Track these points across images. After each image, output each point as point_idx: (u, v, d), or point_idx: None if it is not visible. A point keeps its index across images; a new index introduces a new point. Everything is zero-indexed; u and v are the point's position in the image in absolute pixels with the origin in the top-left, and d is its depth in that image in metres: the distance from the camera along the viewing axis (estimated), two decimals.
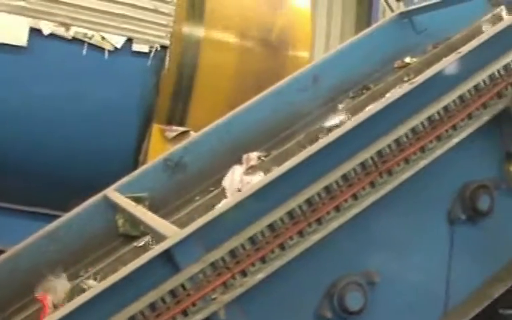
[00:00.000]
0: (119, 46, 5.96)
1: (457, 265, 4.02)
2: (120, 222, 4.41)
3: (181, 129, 6.08)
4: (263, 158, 4.66)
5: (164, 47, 6.03)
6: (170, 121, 6.24)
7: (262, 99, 4.87)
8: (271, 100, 4.88)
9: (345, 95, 4.96)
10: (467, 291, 4.06)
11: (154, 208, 4.44)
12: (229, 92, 6.23)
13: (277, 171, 3.56)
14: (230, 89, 6.27)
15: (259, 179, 4.05)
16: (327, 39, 13.50)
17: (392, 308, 3.89)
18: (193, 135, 5.00)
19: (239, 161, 4.68)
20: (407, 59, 4.92)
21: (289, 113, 4.88)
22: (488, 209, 4.00)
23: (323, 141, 3.64)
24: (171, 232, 3.54)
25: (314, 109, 4.90)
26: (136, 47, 6.01)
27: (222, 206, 3.60)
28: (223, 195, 4.50)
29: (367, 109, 3.81)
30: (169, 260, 3.39)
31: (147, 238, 4.36)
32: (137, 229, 4.39)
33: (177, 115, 6.29)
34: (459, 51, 3.92)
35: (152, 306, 3.34)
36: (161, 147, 5.71)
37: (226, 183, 4.59)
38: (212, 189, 4.62)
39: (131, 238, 4.43)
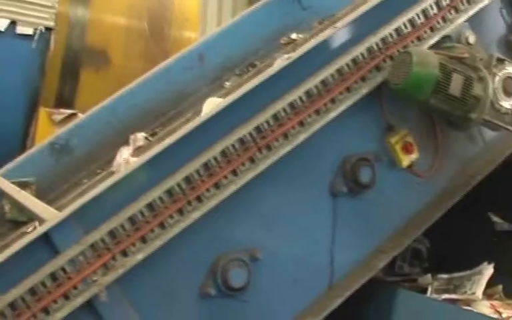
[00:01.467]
0: (2, 29, 5.90)
1: (340, 238, 4.15)
2: (7, 208, 4.39)
3: (69, 111, 6.05)
4: (149, 138, 4.70)
5: (49, 29, 5.99)
6: (58, 104, 6.22)
7: (148, 79, 4.90)
8: (157, 80, 4.91)
9: (232, 72, 5.03)
10: (351, 264, 4.20)
11: (41, 192, 4.44)
12: (117, 73, 6.24)
13: (154, 150, 3.62)
14: (118, 70, 6.28)
15: None
16: (218, 19, 13.56)
17: (276, 283, 4.00)
18: (80, 117, 5.01)
19: (126, 142, 4.71)
20: (293, 35, 5.02)
21: (175, 92, 4.92)
22: (369, 182, 4.15)
23: (200, 118, 3.72)
24: (50, 215, 3.57)
25: (201, 88, 4.97)
26: (20, 30, 5.95)
27: (100, 187, 3.63)
28: (110, 177, 4.53)
29: (246, 84, 3.88)
30: (48, 243, 3.42)
31: (36, 223, 4.36)
32: (25, 215, 4.39)
33: (65, 98, 6.28)
34: (336, 24, 4.04)
35: (32, 290, 3.36)
36: (48, 131, 5.67)
37: (114, 164, 4.62)
38: (100, 171, 4.64)
39: (20, 224, 4.42)
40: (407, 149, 4.25)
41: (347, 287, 4.15)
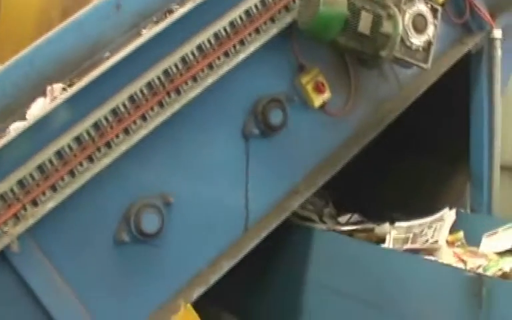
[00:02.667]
0: None
1: (254, 180, 4.26)
2: None
3: None
4: (67, 89, 4.71)
5: None
6: None
7: (64, 30, 4.88)
8: (74, 30, 4.90)
9: (149, 19, 5.04)
10: (267, 205, 4.32)
11: None
12: (34, 27, 6.20)
13: (61, 98, 3.67)
14: (35, 23, 6.25)
15: None
16: None
17: (191, 227, 4.10)
18: None
19: (44, 94, 4.72)
20: None
21: (92, 41, 4.93)
22: (281, 123, 4.25)
23: (106, 64, 3.76)
24: None
25: (117, 36, 4.97)
26: None
27: (7, 137, 3.66)
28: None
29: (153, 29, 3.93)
30: None
31: None
32: None
33: None
34: None
35: None
36: None
37: (28, 115, 4.63)
38: None
39: None
40: (318, 89, 4.35)
41: (263, 229, 4.28)
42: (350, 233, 4.57)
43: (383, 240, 4.44)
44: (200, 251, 4.15)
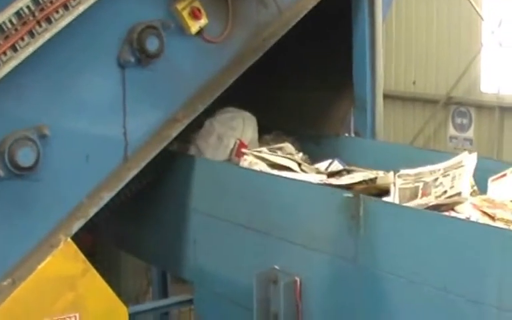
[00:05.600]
0: None
1: (132, 110, 4.45)
2: None
3: None
4: None
5: None
6: None
7: None
8: None
9: None
10: (145, 135, 4.52)
11: None
12: None
13: None
14: None
15: None
16: None
17: (68, 160, 4.27)
18: None
19: None
20: None
21: None
22: (157, 51, 4.41)
23: None
24: None
25: None
26: None
27: None
28: None
29: None
30: None
31: None
32: None
33: None
34: None
35: None
36: None
37: None
38: None
39: None
40: (194, 15, 4.52)
41: (142, 159, 4.48)
42: (349, 187, 4.22)
43: (386, 191, 4.19)
44: (78, 184, 4.33)
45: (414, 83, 13.28)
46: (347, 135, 5.46)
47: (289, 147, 4.82)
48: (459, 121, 12.77)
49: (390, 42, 13.13)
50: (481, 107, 12.40)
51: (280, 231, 4.07)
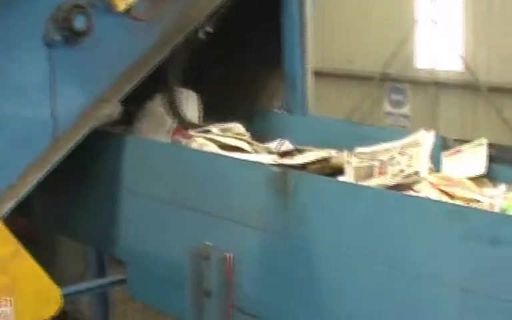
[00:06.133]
0: None
1: (60, 90, 4.44)
2: None
3: None
4: None
5: None
6: None
7: None
8: None
9: None
10: (74, 115, 4.52)
11: None
12: None
13: None
14: None
15: None
16: None
17: None
18: None
19: None
20: None
21: None
22: (84, 29, 4.40)
23: None
24: None
25: None
26: None
27: None
28: None
29: None
30: None
31: None
32: None
33: None
34: None
35: None
36: None
37: None
38: None
39: None
40: None
41: (71, 139, 4.48)
42: (303, 166, 4.21)
43: (341, 171, 4.17)
44: (8, 165, 4.33)
45: (350, 60, 13.38)
46: (278, 111, 5.50)
47: (238, 126, 4.85)
48: (394, 97, 12.92)
49: (325, 20, 13.22)
50: (416, 83, 12.58)
51: (211, 207, 4.11)
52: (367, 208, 3.38)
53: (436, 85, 12.32)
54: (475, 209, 3.45)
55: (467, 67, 11.71)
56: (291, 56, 5.29)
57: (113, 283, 5.84)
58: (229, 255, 3.94)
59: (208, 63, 5.55)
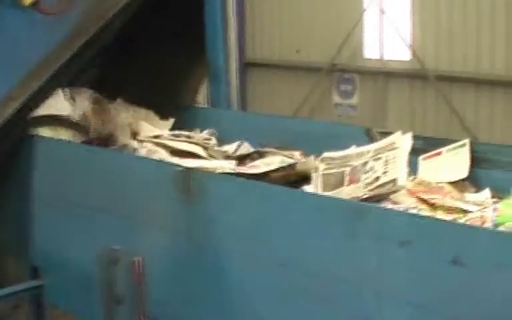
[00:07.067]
0: None
1: None
2: None
3: None
4: None
5: None
6: None
7: None
8: None
9: None
10: None
11: None
12: None
13: None
14: None
15: None
16: None
17: None
18: None
19: None
20: None
21: None
22: None
23: None
24: None
25: None
26: None
27: None
28: None
29: None
30: None
31: None
32: None
33: None
34: None
35: None
36: None
37: None
38: None
39: None
40: None
41: None
42: (265, 174, 3.88)
43: (307, 178, 3.87)
44: None
45: (298, 51, 13.29)
46: (201, 105, 5.40)
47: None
48: (343, 88, 12.85)
49: (273, 10, 13.15)
50: (365, 73, 12.51)
51: (119, 209, 3.99)
52: (271, 208, 3.30)
53: (384, 75, 12.26)
54: (378, 207, 3.22)
55: (415, 56, 11.66)
56: (214, 47, 5.20)
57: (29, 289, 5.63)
58: (137, 259, 3.80)
59: (129, 58, 5.42)
